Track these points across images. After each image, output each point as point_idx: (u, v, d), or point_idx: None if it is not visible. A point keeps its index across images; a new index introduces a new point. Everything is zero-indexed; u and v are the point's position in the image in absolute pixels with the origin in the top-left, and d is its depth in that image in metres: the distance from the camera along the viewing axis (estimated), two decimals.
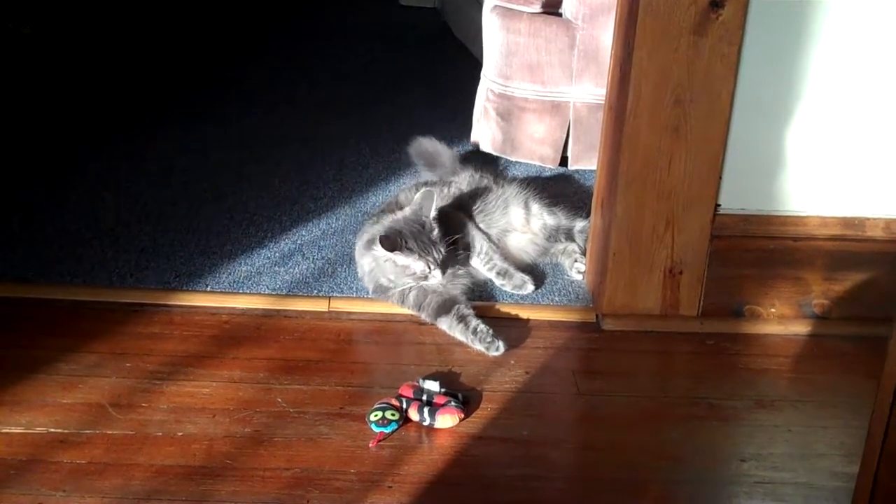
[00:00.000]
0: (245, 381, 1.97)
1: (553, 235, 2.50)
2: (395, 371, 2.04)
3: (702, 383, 2.08)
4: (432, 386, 1.93)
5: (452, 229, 2.27)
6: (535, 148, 3.02)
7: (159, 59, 4.10)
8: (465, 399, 1.93)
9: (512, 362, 2.09)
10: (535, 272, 2.42)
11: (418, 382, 1.95)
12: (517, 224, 2.49)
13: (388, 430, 1.83)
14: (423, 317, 2.20)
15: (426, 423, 1.86)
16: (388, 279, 2.20)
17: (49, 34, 4.25)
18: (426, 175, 2.78)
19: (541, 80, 2.94)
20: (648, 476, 1.80)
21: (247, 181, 2.87)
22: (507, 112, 3.00)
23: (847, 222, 2.22)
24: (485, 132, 3.05)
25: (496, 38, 2.97)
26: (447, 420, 1.86)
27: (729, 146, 2.14)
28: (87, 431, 1.81)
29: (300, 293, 2.29)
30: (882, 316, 2.12)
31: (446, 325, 2.16)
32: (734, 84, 2.08)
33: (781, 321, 2.26)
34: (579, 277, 2.41)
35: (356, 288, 2.31)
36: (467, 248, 2.33)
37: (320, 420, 1.87)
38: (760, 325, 2.26)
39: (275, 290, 2.30)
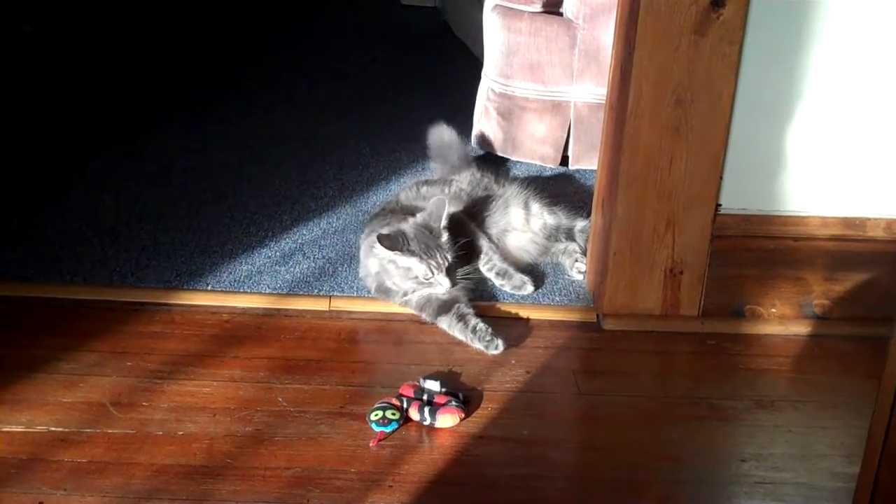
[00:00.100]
0: (246, 381, 1.97)
1: (553, 235, 2.50)
2: (396, 370, 2.04)
3: (702, 383, 2.08)
4: (433, 385, 1.93)
5: (457, 233, 2.27)
6: (535, 147, 3.02)
7: (160, 59, 4.10)
8: (466, 398, 1.93)
9: (512, 362, 2.09)
10: (536, 272, 2.42)
11: (419, 382, 1.95)
12: (517, 224, 2.49)
13: (388, 430, 1.83)
14: (424, 317, 2.20)
15: (427, 423, 1.86)
16: (393, 283, 2.20)
17: (49, 33, 4.25)
18: (436, 163, 2.77)
19: (541, 79, 2.95)
20: (649, 476, 1.80)
21: (247, 180, 2.87)
22: (508, 111, 3.01)
23: (848, 222, 2.22)
24: (485, 132, 3.05)
25: (497, 37, 2.97)
26: (448, 419, 1.86)
27: (730, 146, 2.14)
28: (88, 430, 1.81)
29: (301, 292, 2.29)
30: (883, 316, 2.13)
31: (446, 324, 2.15)
32: (735, 84, 2.08)
33: (782, 321, 2.26)
34: (580, 277, 2.41)
35: (357, 287, 2.31)
36: (470, 248, 2.32)
37: (321, 419, 1.87)
38: (761, 326, 2.26)
39: (275, 289, 2.30)
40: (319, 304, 2.25)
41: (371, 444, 1.80)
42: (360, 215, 2.66)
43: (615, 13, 2.22)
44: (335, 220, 2.65)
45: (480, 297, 2.28)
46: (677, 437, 1.90)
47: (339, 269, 2.40)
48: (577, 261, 2.42)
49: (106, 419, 1.84)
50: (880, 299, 2.24)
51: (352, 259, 2.43)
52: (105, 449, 1.76)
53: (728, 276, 2.23)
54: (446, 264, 2.18)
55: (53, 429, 1.80)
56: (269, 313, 2.22)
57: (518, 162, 3.06)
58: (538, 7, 2.94)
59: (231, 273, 2.35)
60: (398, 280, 2.19)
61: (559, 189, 2.83)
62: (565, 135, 2.99)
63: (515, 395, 1.98)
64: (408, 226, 2.20)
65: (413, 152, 3.12)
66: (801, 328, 2.26)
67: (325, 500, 1.67)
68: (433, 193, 2.43)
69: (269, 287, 2.30)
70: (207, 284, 2.30)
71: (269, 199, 2.75)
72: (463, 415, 1.88)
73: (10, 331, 2.10)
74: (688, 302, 2.24)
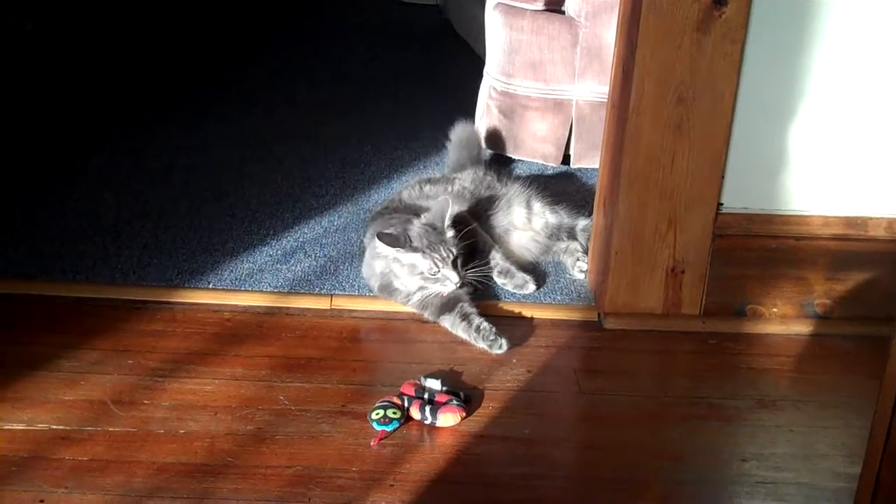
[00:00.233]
0: (247, 379, 1.97)
1: (555, 234, 2.49)
2: (397, 369, 2.03)
3: (703, 383, 2.08)
4: (434, 384, 1.93)
5: (460, 231, 2.26)
6: (537, 146, 3.02)
7: (161, 58, 4.10)
8: (467, 397, 1.93)
9: (514, 361, 2.09)
10: (538, 271, 2.42)
11: (420, 381, 1.95)
12: (519, 223, 2.49)
13: (389, 429, 1.83)
14: (427, 315, 2.20)
15: (428, 422, 1.86)
16: (401, 283, 2.20)
17: (51, 31, 4.25)
18: (453, 155, 2.78)
19: (543, 77, 2.94)
20: (649, 475, 1.80)
21: (249, 179, 2.87)
22: (510, 110, 3.00)
23: (850, 222, 2.22)
24: (487, 130, 3.05)
25: (499, 35, 2.96)
26: (449, 418, 1.86)
27: (732, 145, 2.13)
28: (89, 428, 1.81)
29: (302, 291, 2.29)
30: (884, 316, 2.14)
31: (449, 323, 2.15)
32: (737, 82, 2.08)
33: (783, 321, 2.26)
34: (581, 276, 2.41)
35: (358, 286, 2.31)
36: (473, 247, 2.32)
37: (322, 418, 1.87)
38: (762, 325, 2.25)
39: (277, 287, 2.30)
40: (321, 303, 2.25)
41: (372, 443, 1.80)
42: (362, 213, 2.66)
43: (617, 11, 2.22)
44: (337, 218, 2.65)
45: (482, 297, 2.28)
46: (678, 437, 1.90)
47: (341, 267, 2.40)
48: (578, 260, 2.42)
49: (107, 417, 1.84)
50: (882, 299, 2.24)
51: (353, 257, 2.43)
52: (106, 447, 1.76)
53: (729, 276, 2.23)
54: (451, 258, 2.17)
55: (54, 427, 1.80)
56: (270, 312, 2.22)
57: (520, 160, 3.06)
58: (540, 5, 2.94)
59: (232, 271, 2.35)
60: (405, 279, 2.18)
61: (561, 188, 2.83)
62: (567, 133, 2.99)
63: (516, 393, 1.98)
64: (412, 226, 2.20)
65: (415, 150, 3.13)
66: (803, 327, 2.25)
67: (327, 498, 1.67)
68: (436, 192, 2.43)
69: (270, 285, 2.30)
70: (209, 283, 2.30)
71: (270, 198, 2.75)
72: (464, 414, 1.88)
73: (11, 328, 2.10)
74: (689, 301, 2.24)
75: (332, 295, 2.28)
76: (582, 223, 2.50)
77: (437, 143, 3.10)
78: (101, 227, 2.53)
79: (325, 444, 1.80)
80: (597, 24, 2.86)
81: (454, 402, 1.89)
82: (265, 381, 1.97)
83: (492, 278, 2.33)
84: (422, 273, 2.16)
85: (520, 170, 3.01)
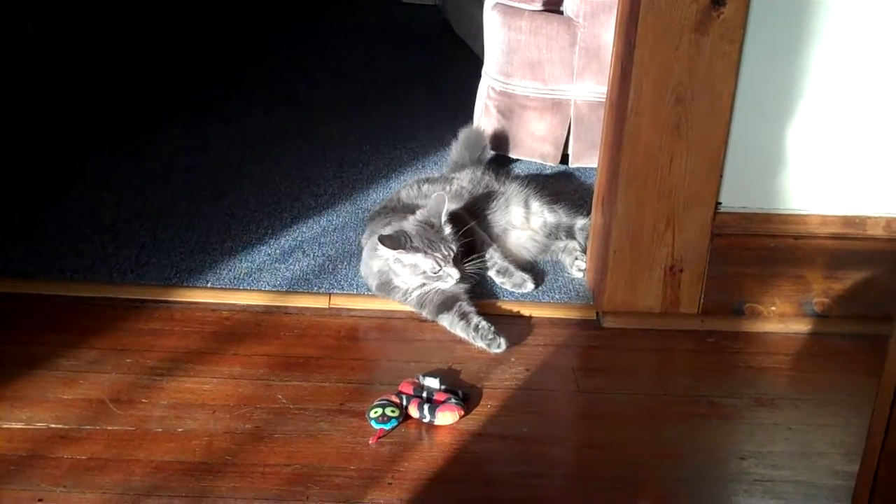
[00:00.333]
0: (245, 378, 1.97)
1: (554, 233, 2.50)
2: (396, 368, 2.04)
3: (702, 381, 2.08)
4: (432, 383, 1.93)
5: (458, 230, 2.26)
6: (535, 146, 3.02)
7: (160, 58, 4.10)
8: (466, 396, 1.93)
9: (512, 359, 2.09)
10: (536, 270, 2.42)
11: (418, 379, 1.95)
12: (517, 222, 2.49)
13: (388, 427, 1.83)
14: (425, 314, 2.20)
15: (426, 420, 1.86)
16: (401, 281, 2.20)
17: (51, 31, 4.25)
18: (456, 154, 2.79)
19: (542, 77, 2.95)
20: (648, 474, 1.80)
21: (247, 178, 2.87)
22: (508, 109, 3.00)
23: (848, 221, 2.22)
24: (486, 130, 3.05)
25: (497, 35, 2.97)
26: (447, 417, 1.86)
27: (730, 144, 2.13)
28: (88, 427, 1.81)
29: (301, 290, 2.29)
30: (882, 314, 2.14)
31: (447, 321, 2.15)
32: (735, 82, 2.08)
33: (782, 319, 2.26)
34: (580, 275, 2.41)
35: (357, 284, 2.31)
36: (471, 246, 2.32)
37: (320, 416, 1.87)
38: (761, 324, 2.26)
39: (275, 286, 2.30)
40: (319, 302, 2.25)
41: (370, 442, 1.80)
42: (361, 213, 2.66)
43: (615, 11, 2.22)
44: (335, 217, 2.66)
45: (480, 295, 2.28)
46: (677, 435, 1.90)
47: (339, 266, 2.40)
48: (577, 259, 2.42)
49: (105, 416, 1.84)
50: (880, 297, 2.24)
51: (352, 256, 2.43)
52: (105, 446, 1.76)
53: (728, 274, 2.23)
54: (452, 255, 2.18)
55: (53, 426, 1.80)
56: (268, 310, 2.22)
57: (518, 160, 3.06)
58: (538, 5, 2.94)
59: (231, 270, 2.35)
60: (406, 277, 2.18)
61: (559, 187, 2.83)
62: (565, 133, 2.99)
63: (515, 392, 1.98)
64: (409, 223, 2.21)
65: (413, 150, 3.13)
66: (801, 326, 2.26)
67: (325, 497, 1.67)
68: (434, 191, 2.43)
69: (268, 284, 2.31)
70: (207, 281, 2.30)
71: (269, 197, 2.75)
72: (462, 412, 1.88)
73: (9, 327, 2.10)
74: (688, 300, 2.24)
75: (330, 294, 2.28)
76: (580, 222, 2.51)
77: (435, 142, 3.11)
78: (99, 226, 2.53)
79: (323, 442, 1.80)
80: (595, 25, 2.86)
81: (453, 400, 1.89)
82: (263, 380, 1.97)
83: (486, 270, 2.33)
84: (424, 272, 2.17)
85: (518, 169, 3.02)
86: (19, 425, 1.80)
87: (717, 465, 1.84)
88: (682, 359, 2.19)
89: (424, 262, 2.16)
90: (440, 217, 2.20)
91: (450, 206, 2.26)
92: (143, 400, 1.89)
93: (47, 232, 2.49)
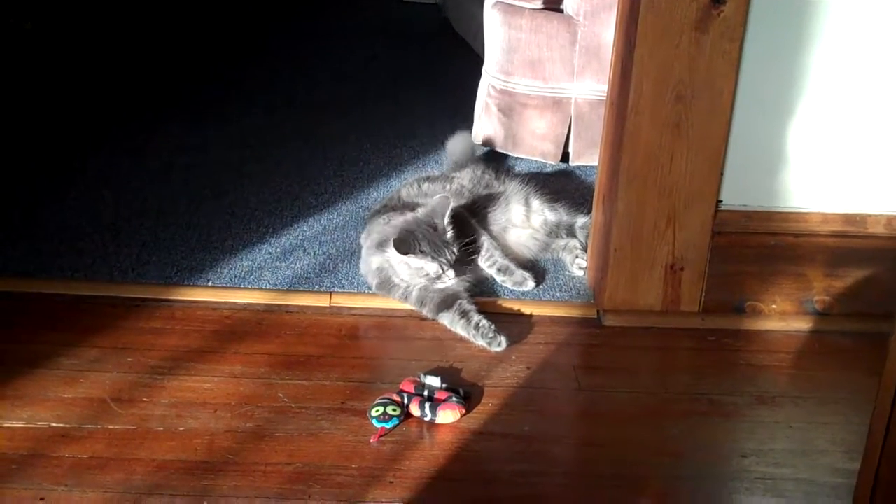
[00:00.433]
0: (246, 376, 1.97)
1: (554, 231, 2.50)
2: (397, 366, 2.04)
3: (703, 379, 2.08)
4: (433, 381, 1.93)
5: (462, 229, 2.27)
6: (536, 144, 3.02)
7: (161, 57, 4.10)
8: (467, 394, 1.93)
9: (513, 358, 2.09)
10: (537, 268, 2.42)
11: (419, 378, 1.95)
12: (518, 220, 2.49)
13: (389, 426, 1.83)
14: (425, 312, 2.20)
15: (427, 419, 1.86)
16: (401, 279, 2.20)
17: (50, 30, 4.25)
18: (449, 163, 2.79)
19: (542, 76, 2.94)
20: (649, 472, 1.80)
21: (248, 178, 2.87)
22: (509, 108, 3.00)
23: (848, 219, 2.22)
24: (486, 128, 3.05)
25: (497, 34, 2.97)
26: (448, 415, 1.86)
27: (730, 142, 2.14)
28: (89, 426, 1.81)
29: (301, 288, 2.30)
30: (883, 312, 2.13)
31: (448, 320, 2.16)
32: (735, 80, 2.08)
33: (782, 317, 2.26)
34: (580, 273, 2.41)
35: (357, 283, 2.32)
36: (471, 244, 2.32)
37: (322, 415, 1.87)
38: (761, 322, 2.26)
39: (276, 285, 2.30)
40: (320, 300, 2.25)
41: (372, 440, 1.80)
42: (361, 211, 2.66)
43: (616, 10, 2.22)
44: (336, 216, 2.66)
45: (481, 294, 2.29)
46: (678, 433, 1.90)
47: (340, 265, 2.40)
48: (577, 257, 2.42)
49: (107, 415, 1.84)
50: (881, 296, 2.24)
51: (353, 255, 2.43)
52: (106, 445, 1.76)
53: (729, 273, 2.23)
54: (453, 258, 2.19)
55: (54, 424, 1.80)
56: (269, 309, 2.22)
57: (519, 158, 3.06)
58: (539, 4, 2.94)
59: (232, 269, 2.35)
60: (406, 277, 2.19)
61: (560, 185, 2.83)
62: (566, 131, 2.99)
63: (516, 390, 1.99)
64: (413, 224, 2.20)
65: (413, 149, 3.13)
66: (802, 324, 2.26)
67: (326, 495, 1.67)
68: (434, 190, 2.43)
69: (269, 283, 2.31)
70: (208, 280, 2.30)
71: (269, 196, 2.75)
72: (463, 411, 1.88)
73: (10, 326, 2.10)
74: (688, 298, 2.24)
75: (331, 292, 2.28)
76: (581, 220, 2.51)
77: (435, 141, 3.11)
78: (100, 225, 2.53)
79: (324, 441, 1.80)
80: (595, 23, 2.86)
81: (454, 398, 1.89)
82: (264, 379, 1.97)
83: (477, 259, 2.33)
84: (427, 275, 2.17)
85: (519, 167, 3.02)
86: (20, 424, 1.80)
87: (718, 463, 1.84)
88: (683, 357, 2.19)
89: (430, 266, 2.17)
90: (443, 219, 2.21)
91: (452, 206, 2.26)
92: (145, 399, 1.89)
93: (48, 230, 2.49)
